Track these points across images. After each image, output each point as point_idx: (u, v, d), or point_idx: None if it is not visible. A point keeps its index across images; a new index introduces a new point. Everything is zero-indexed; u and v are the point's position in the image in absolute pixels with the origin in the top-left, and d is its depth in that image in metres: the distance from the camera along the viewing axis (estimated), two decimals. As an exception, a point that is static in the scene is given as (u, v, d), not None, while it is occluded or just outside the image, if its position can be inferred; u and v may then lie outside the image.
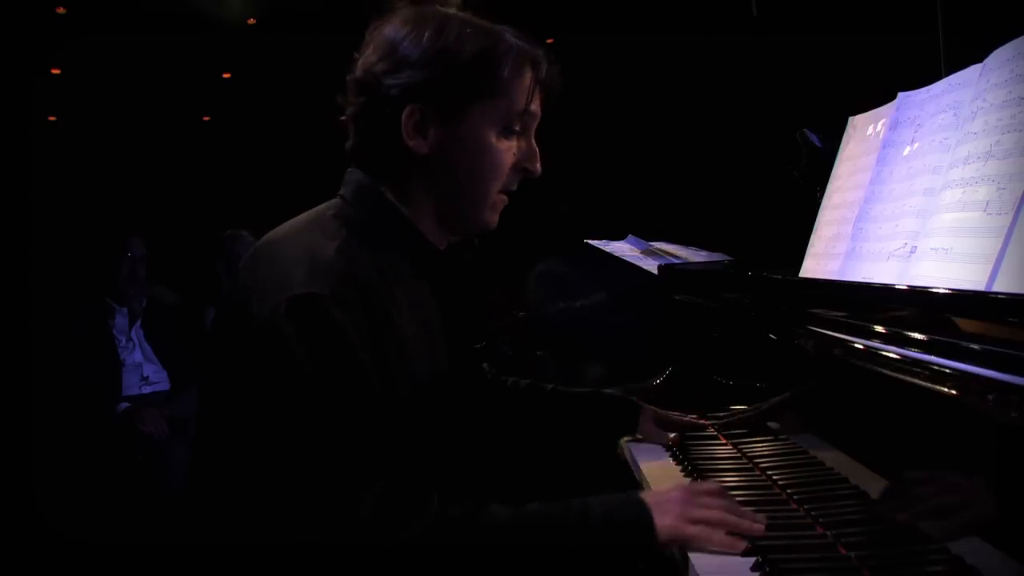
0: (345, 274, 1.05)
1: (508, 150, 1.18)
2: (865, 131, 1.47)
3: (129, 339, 3.27)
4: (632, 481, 1.49)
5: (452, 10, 1.17)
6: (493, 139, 1.16)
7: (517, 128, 1.19)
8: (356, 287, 1.04)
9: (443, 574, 1.00)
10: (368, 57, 1.16)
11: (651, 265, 2.39)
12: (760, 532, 1.03)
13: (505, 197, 1.23)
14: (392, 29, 1.15)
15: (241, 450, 1.06)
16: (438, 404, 1.21)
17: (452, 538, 1.00)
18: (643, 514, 1.04)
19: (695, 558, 1.02)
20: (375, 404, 1.02)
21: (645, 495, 1.09)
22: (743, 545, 1.01)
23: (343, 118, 1.21)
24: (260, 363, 1.02)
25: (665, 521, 1.03)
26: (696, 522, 1.03)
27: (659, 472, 1.42)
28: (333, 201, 1.21)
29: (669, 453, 1.50)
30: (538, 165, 1.22)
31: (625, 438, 1.59)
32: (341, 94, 1.20)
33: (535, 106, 1.20)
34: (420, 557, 0.98)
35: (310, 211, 1.20)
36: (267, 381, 1.01)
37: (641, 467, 1.46)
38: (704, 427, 1.57)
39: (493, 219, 1.23)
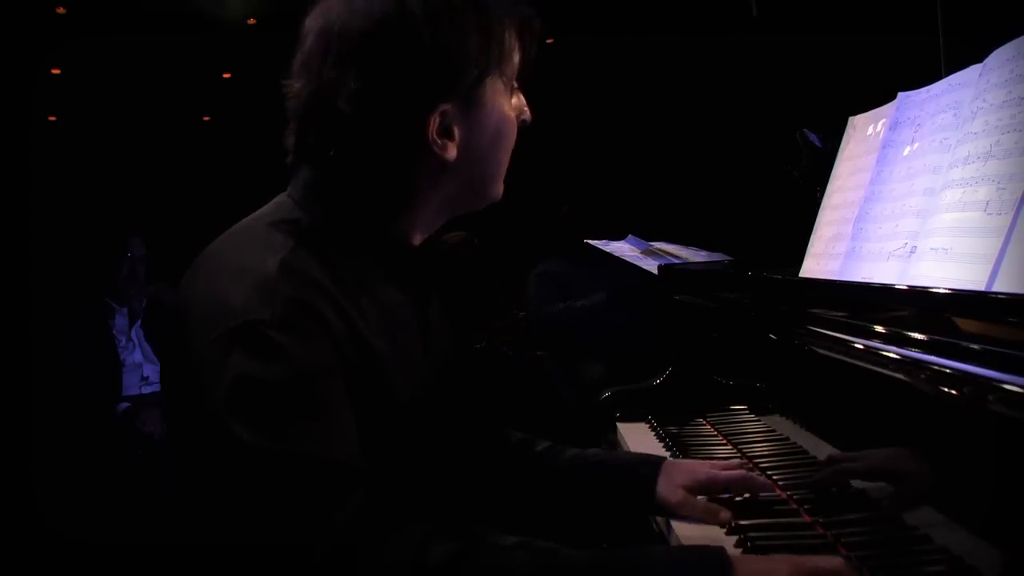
0: (291, 295, 0.90)
1: (515, 113, 1.07)
2: (865, 131, 1.46)
3: (129, 339, 3.28)
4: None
5: None
6: (508, 109, 1.05)
7: (515, 85, 1.07)
8: (305, 306, 0.91)
9: None
10: (345, 75, 0.96)
11: (651, 265, 2.39)
12: None
13: None
14: (358, 29, 0.96)
15: (206, 475, 0.93)
16: (424, 425, 1.04)
17: None
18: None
19: (677, 527, 1.07)
20: (332, 441, 0.89)
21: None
22: None
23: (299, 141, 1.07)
24: (205, 397, 0.89)
25: None
26: None
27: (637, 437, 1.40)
28: (279, 202, 1.06)
29: (668, 452, 1.50)
30: (528, 112, 1.10)
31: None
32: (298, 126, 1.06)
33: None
34: None
35: (250, 217, 1.05)
36: (213, 418, 0.88)
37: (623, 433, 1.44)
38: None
39: (502, 189, 1.11)
